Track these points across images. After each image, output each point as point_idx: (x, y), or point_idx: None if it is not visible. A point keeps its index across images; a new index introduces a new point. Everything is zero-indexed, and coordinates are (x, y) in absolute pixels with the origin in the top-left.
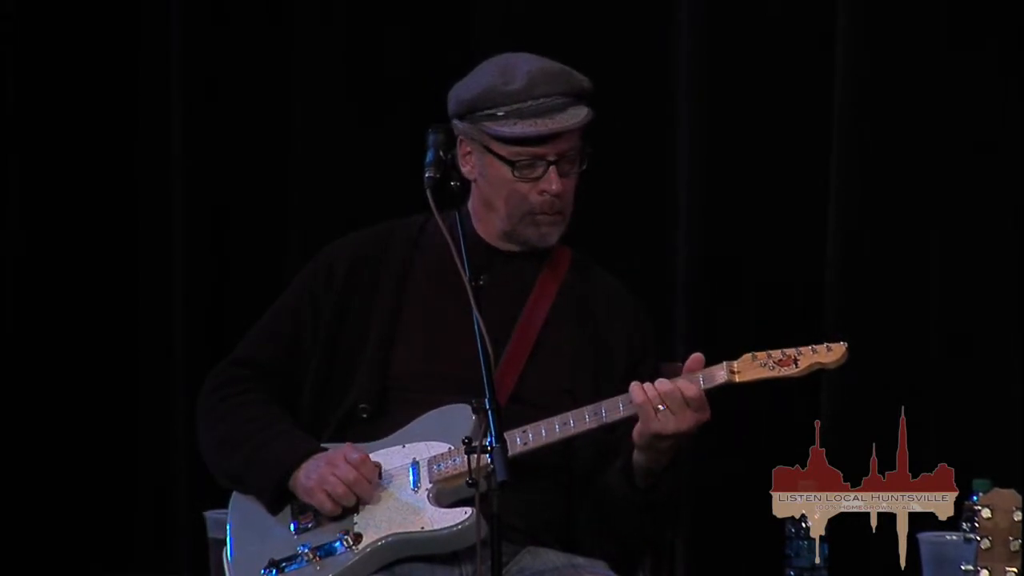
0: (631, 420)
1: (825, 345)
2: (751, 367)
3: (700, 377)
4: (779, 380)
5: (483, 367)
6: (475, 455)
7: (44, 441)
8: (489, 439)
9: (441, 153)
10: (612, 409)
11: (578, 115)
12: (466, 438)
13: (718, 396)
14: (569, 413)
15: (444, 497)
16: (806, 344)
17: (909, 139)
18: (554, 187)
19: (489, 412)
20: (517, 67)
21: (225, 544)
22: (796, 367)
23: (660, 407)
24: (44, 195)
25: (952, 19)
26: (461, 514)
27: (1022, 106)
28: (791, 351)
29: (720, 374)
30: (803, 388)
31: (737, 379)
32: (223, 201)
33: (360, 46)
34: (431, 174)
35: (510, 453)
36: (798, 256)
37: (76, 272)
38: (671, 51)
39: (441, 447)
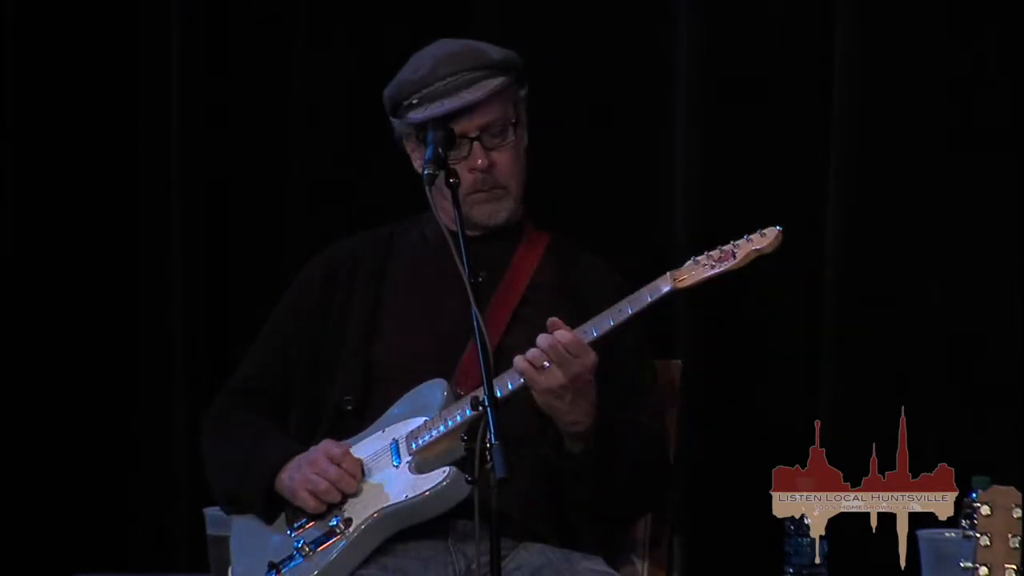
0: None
1: (758, 232)
2: (692, 271)
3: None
4: (722, 276)
5: (481, 364)
6: (479, 409)
7: (43, 440)
8: (489, 436)
9: (440, 150)
10: (502, 386)
11: (487, 86)
12: (473, 397)
13: (721, 393)
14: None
15: (426, 466)
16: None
17: (909, 139)
18: (479, 162)
19: (488, 409)
20: (425, 55)
21: (228, 555)
22: (735, 259)
23: (545, 364)
24: (43, 195)
25: (952, 18)
26: (440, 475)
27: (1022, 104)
28: (727, 246)
29: (664, 285)
30: (803, 387)
31: (680, 285)
32: (223, 201)
33: (360, 46)
34: (429, 171)
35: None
36: (797, 255)
37: (75, 271)
38: (670, 50)
39: (417, 422)
